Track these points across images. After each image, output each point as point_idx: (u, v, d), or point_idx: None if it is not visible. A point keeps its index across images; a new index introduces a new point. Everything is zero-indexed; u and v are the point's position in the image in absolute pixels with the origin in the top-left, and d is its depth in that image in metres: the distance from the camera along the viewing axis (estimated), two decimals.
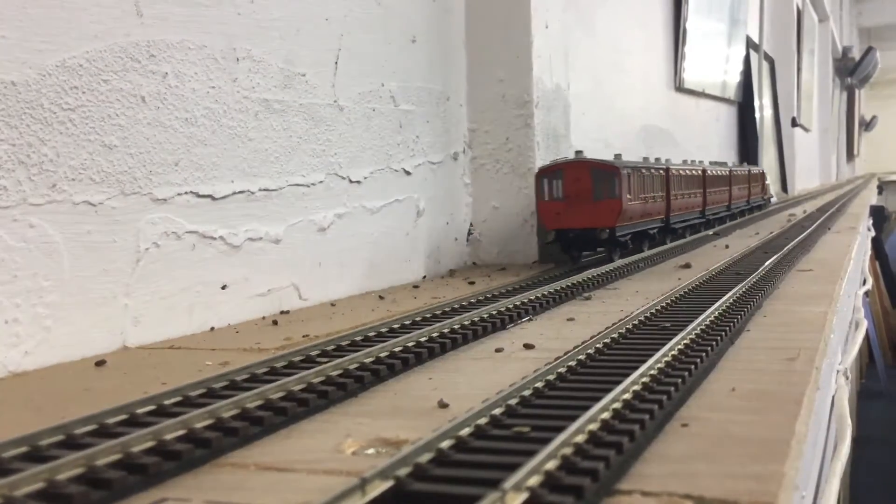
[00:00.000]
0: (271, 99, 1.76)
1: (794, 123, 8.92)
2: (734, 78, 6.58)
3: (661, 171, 2.64)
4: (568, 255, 2.29)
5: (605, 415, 0.81)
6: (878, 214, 6.32)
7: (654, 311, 1.43)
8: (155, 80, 1.49)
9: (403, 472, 0.69)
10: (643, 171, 2.45)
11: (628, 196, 2.27)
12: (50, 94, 1.32)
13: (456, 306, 1.57)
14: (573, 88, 2.79)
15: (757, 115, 7.16)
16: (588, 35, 3.56)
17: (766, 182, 4.82)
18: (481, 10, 2.48)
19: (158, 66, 1.50)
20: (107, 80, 1.40)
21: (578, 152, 2.35)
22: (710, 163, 3.83)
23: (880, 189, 11.09)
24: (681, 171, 2.87)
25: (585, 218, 2.21)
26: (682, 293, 1.62)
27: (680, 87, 5.07)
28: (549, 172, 2.26)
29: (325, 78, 1.93)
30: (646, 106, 4.48)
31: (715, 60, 5.98)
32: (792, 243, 2.51)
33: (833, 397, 1.42)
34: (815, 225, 3.32)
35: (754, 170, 4.54)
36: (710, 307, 1.38)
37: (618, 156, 2.42)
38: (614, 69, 3.95)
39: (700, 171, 3.19)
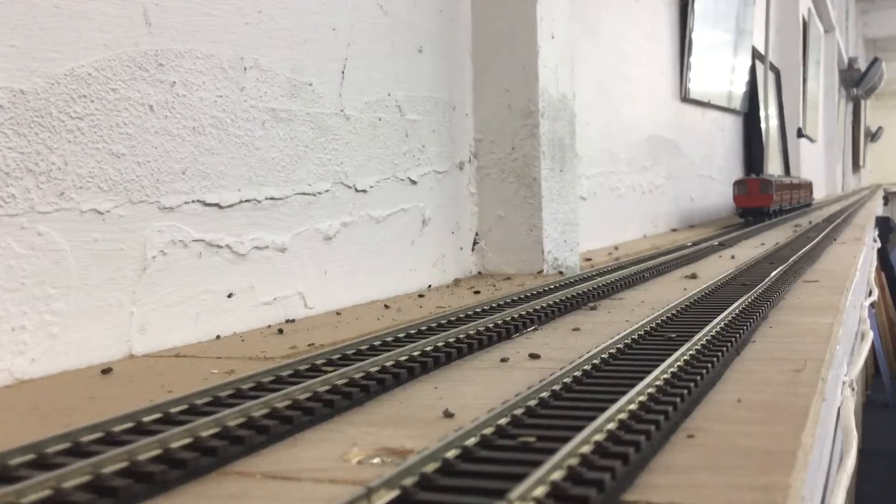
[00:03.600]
0: (278, 108, 1.76)
1: (800, 134, 8.91)
2: (740, 88, 6.58)
3: (780, 181, 5.24)
4: (744, 219, 4.75)
5: (611, 425, 0.81)
6: (883, 225, 6.33)
7: (659, 321, 1.43)
8: (163, 89, 1.50)
9: (409, 481, 0.69)
10: (776, 181, 5.03)
11: (773, 193, 4.82)
12: (59, 102, 1.32)
13: (461, 315, 1.57)
14: (579, 98, 2.79)
15: (762, 125, 7.15)
16: (594, 45, 3.57)
17: (812, 188, 7.18)
18: (487, 19, 2.49)
19: (166, 76, 1.51)
20: (115, 88, 1.41)
21: (753, 173, 5.41)
22: (787, 175, 6.79)
23: (886, 200, 11.07)
24: (785, 181, 5.52)
25: (757, 202, 4.78)
26: (687, 303, 1.62)
27: (685, 98, 5.07)
28: (739, 182, 4.89)
29: (332, 87, 1.93)
30: (651, 116, 4.48)
31: (721, 71, 5.98)
32: (797, 254, 2.50)
33: (839, 409, 1.42)
34: (820, 236, 3.32)
35: (807, 180, 6.97)
36: (715, 318, 1.38)
37: (760, 174, 5.48)
38: (620, 79, 3.96)
39: (790, 181, 5.78)
